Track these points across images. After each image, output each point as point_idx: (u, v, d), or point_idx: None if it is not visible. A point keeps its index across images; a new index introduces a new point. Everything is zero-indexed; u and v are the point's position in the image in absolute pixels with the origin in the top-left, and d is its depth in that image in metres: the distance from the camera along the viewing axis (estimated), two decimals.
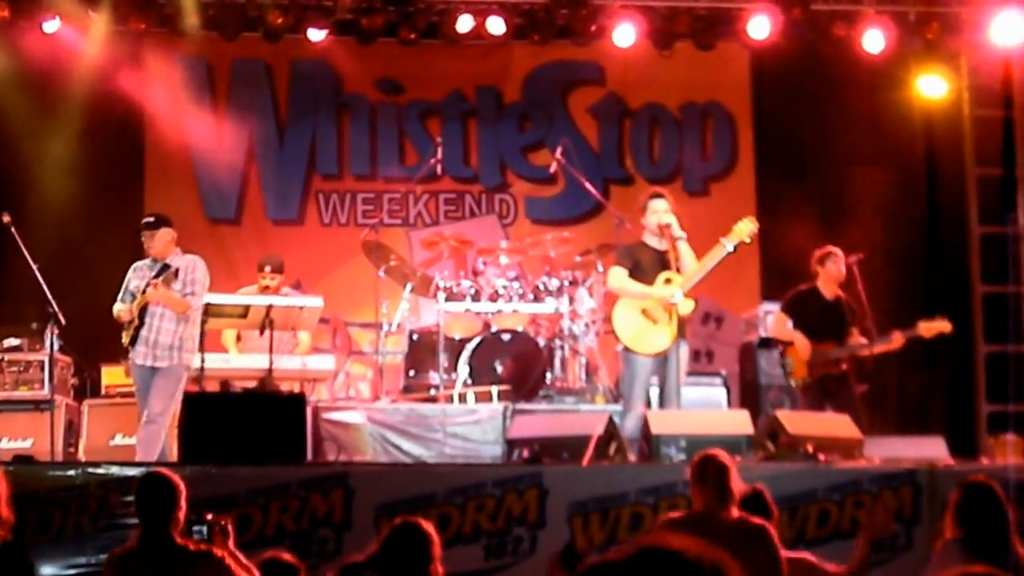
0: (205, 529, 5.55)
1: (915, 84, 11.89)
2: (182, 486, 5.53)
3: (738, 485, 5.94)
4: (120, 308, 8.65)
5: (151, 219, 8.84)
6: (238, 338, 10.25)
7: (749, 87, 12.82)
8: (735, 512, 5.91)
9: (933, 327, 9.37)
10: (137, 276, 8.72)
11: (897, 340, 9.37)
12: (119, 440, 9.13)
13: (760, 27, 11.10)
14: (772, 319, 10.07)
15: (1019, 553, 5.50)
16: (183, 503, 5.48)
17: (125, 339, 8.61)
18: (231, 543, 5.57)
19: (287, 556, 5.32)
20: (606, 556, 2.27)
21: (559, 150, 11.39)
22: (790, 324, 9.58)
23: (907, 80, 11.89)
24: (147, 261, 8.75)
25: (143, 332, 8.56)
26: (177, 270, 8.46)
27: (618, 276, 8.86)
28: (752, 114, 12.85)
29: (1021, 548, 5.53)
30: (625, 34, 11.18)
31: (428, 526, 5.16)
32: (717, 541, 5.81)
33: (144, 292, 8.54)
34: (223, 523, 5.59)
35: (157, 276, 8.54)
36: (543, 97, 12.82)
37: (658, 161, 12.92)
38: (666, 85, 12.79)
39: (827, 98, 12.06)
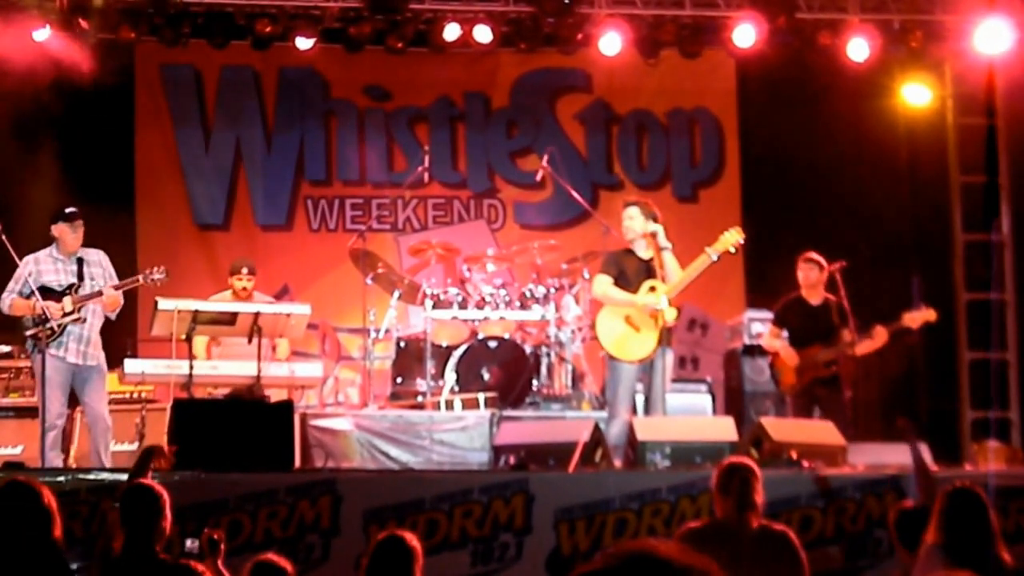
0: (198, 542, 5.58)
1: (899, 92, 11.96)
2: (166, 497, 5.54)
3: (761, 495, 5.99)
4: (46, 305, 8.49)
5: (77, 210, 8.81)
6: (213, 343, 10.25)
7: (735, 94, 12.89)
8: (755, 521, 5.96)
9: (918, 317, 9.37)
10: (51, 270, 8.68)
11: (880, 335, 9.32)
12: (111, 446, 9.13)
13: (745, 35, 11.13)
14: (765, 333, 10.08)
15: (1004, 559, 5.55)
16: (168, 514, 5.49)
17: (45, 333, 8.42)
18: (220, 561, 5.60)
19: (278, 559, 5.37)
20: (593, 562, 2.27)
21: (545, 158, 11.44)
22: (784, 335, 9.58)
23: (892, 88, 11.95)
24: (52, 253, 8.72)
25: (78, 329, 8.58)
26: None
27: (602, 284, 8.90)
28: (738, 121, 12.92)
29: (1006, 554, 5.58)
30: (611, 42, 11.21)
31: (412, 539, 5.23)
32: (740, 550, 5.85)
33: (97, 293, 8.59)
34: (216, 537, 5.62)
35: (80, 273, 8.63)
36: (531, 103, 12.88)
37: (647, 167, 12.98)
38: (653, 92, 12.86)
39: (812, 106, 12.09)
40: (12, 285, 8.65)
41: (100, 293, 8.64)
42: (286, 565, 5.29)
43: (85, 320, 8.62)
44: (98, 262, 8.79)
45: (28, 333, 8.55)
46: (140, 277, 8.82)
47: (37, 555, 4.93)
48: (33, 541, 4.95)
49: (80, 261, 8.73)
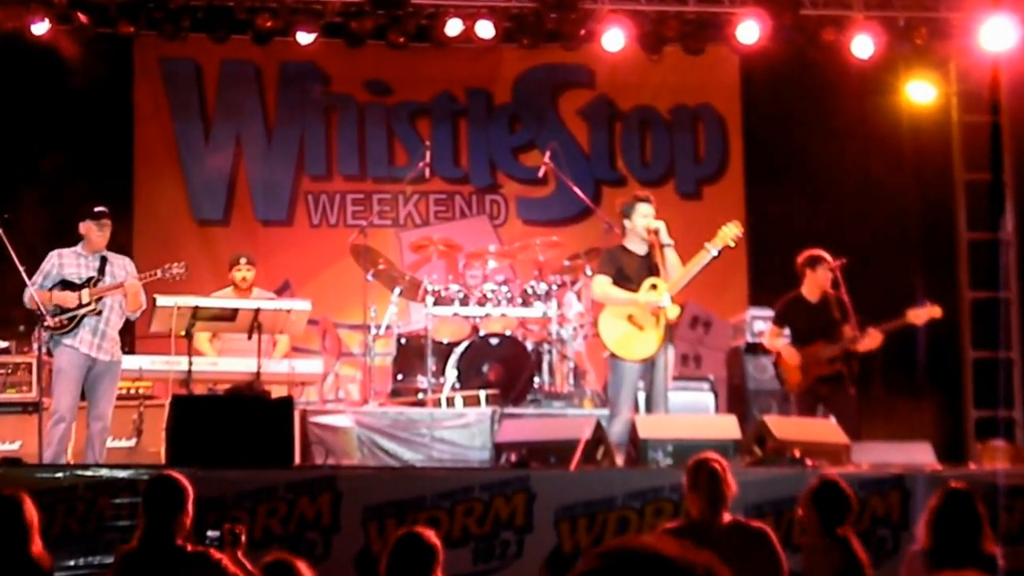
0: (219, 532, 5.59)
1: (904, 89, 11.92)
2: (190, 490, 5.55)
3: (732, 489, 5.93)
4: (60, 295, 8.57)
5: (106, 210, 8.89)
6: (213, 337, 10.22)
7: (739, 90, 12.84)
8: (728, 516, 5.90)
9: (923, 314, 9.33)
10: (73, 264, 8.73)
11: (874, 337, 9.23)
12: (109, 443, 9.09)
13: (749, 32, 11.09)
14: (766, 333, 10.04)
15: (997, 559, 5.51)
16: (190, 507, 5.52)
17: (58, 322, 8.49)
18: (241, 552, 5.60)
19: (294, 559, 5.32)
20: (588, 562, 2.18)
21: (548, 154, 11.37)
22: (786, 333, 9.54)
23: (896, 85, 11.91)
24: (77, 250, 8.78)
25: (93, 321, 8.61)
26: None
27: (602, 284, 8.82)
28: (742, 117, 12.87)
29: (999, 554, 5.54)
30: (614, 38, 11.17)
31: (432, 536, 5.20)
32: (715, 547, 5.82)
33: (117, 285, 8.64)
34: (237, 530, 5.62)
35: (101, 269, 8.70)
36: (533, 99, 12.83)
37: (650, 163, 12.94)
38: (656, 88, 12.81)
39: (816, 103, 12.06)
40: (36, 278, 8.69)
41: (119, 285, 8.68)
42: (301, 566, 5.23)
43: (100, 313, 8.64)
44: (122, 265, 8.87)
45: (45, 324, 8.57)
46: (159, 271, 8.85)
47: (13, 570, 4.87)
48: (9, 556, 4.87)
49: (103, 260, 8.80)
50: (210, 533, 5.60)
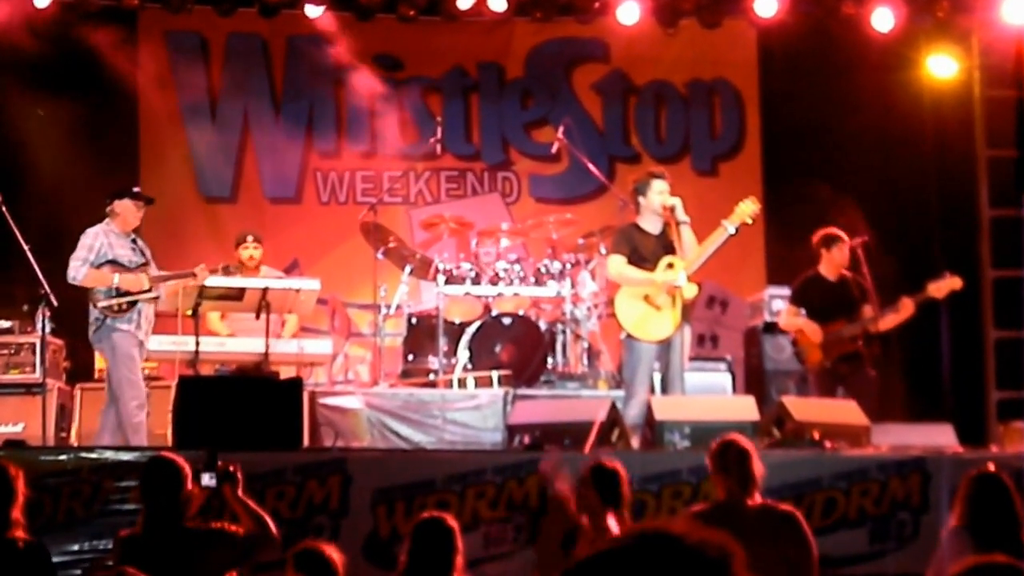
0: (215, 475, 5.55)
1: (925, 64, 11.73)
2: (188, 469, 5.52)
3: (759, 470, 5.80)
4: (125, 278, 8.50)
5: (141, 190, 8.93)
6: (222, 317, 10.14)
7: (757, 65, 12.65)
8: (758, 498, 5.77)
9: (943, 286, 9.29)
10: (118, 244, 8.64)
11: (907, 306, 9.22)
12: None
13: (767, 5, 10.97)
14: (783, 313, 9.93)
15: None
16: (190, 487, 5.50)
17: (118, 305, 8.45)
18: (240, 489, 5.57)
19: (322, 545, 5.21)
20: (603, 545, 2.15)
21: (561, 130, 11.23)
22: (803, 313, 9.44)
23: (917, 59, 11.73)
24: (114, 230, 8.67)
25: (145, 308, 8.56)
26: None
27: (617, 264, 8.71)
28: (759, 93, 12.68)
29: None
30: (629, 12, 11.04)
31: (451, 520, 5.22)
32: (743, 530, 5.70)
33: (188, 274, 8.71)
34: (232, 469, 5.57)
35: (139, 250, 8.67)
36: (546, 74, 12.66)
37: (665, 139, 12.76)
38: (672, 62, 12.62)
39: (835, 78, 11.88)
40: (85, 255, 8.57)
41: (190, 275, 8.67)
42: (331, 551, 5.12)
43: (158, 298, 8.63)
44: (145, 246, 8.83)
45: (101, 305, 8.47)
46: (220, 268, 8.91)
47: None
48: None
49: (133, 241, 8.75)
50: (206, 479, 5.56)
